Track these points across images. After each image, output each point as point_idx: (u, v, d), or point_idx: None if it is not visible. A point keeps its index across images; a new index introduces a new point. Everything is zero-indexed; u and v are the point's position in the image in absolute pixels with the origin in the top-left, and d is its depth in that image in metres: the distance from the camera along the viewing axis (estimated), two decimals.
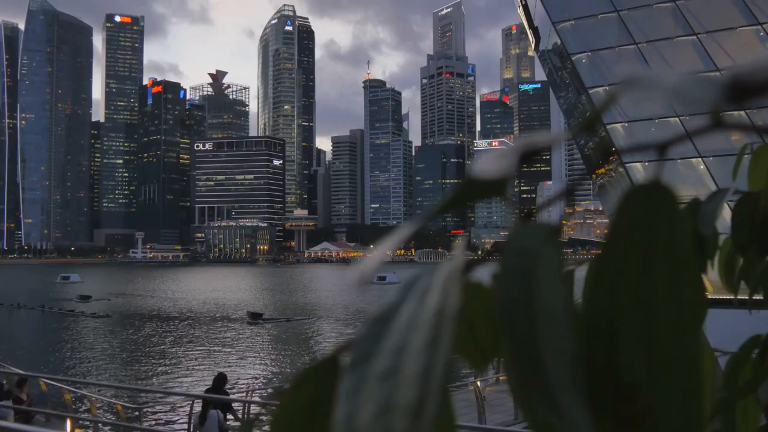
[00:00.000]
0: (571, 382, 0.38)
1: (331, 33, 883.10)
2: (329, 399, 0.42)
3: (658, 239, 0.44)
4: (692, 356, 0.42)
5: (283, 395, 0.45)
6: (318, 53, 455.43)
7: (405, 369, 0.36)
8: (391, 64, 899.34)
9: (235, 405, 14.95)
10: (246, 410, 15.26)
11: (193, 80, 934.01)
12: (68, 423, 12.64)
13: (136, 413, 16.50)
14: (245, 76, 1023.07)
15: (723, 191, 0.61)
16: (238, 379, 32.05)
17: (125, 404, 17.80)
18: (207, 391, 13.99)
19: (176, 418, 22.08)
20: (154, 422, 21.13)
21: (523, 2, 37.80)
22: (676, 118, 26.23)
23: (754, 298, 0.69)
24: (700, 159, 25.02)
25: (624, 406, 0.42)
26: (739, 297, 0.99)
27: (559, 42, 31.27)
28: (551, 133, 0.42)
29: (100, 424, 15.78)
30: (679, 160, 26.07)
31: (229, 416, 13.85)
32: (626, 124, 28.32)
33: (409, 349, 0.37)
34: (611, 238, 0.45)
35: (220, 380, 13.69)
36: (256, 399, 19.80)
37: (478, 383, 17.34)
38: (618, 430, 0.42)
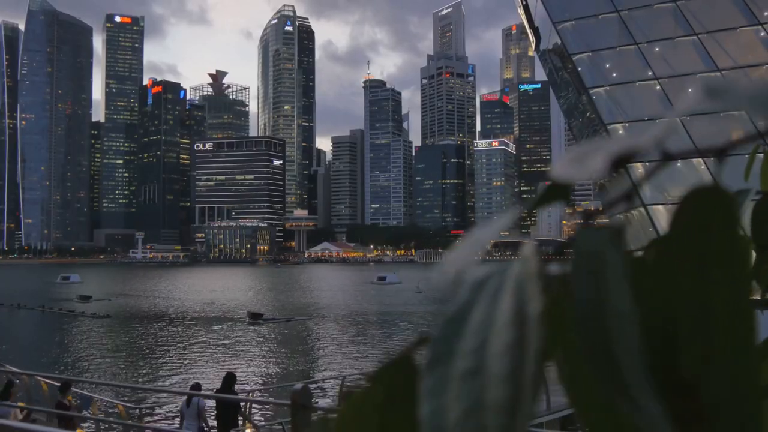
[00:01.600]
0: (644, 378, 0.40)
1: (328, 34, 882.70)
2: (403, 397, 0.45)
3: (715, 240, 0.45)
4: (749, 353, 0.43)
5: (356, 394, 0.47)
6: (316, 54, 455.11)
7: (491, 369, 0.38)
8: (389, 65, 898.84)
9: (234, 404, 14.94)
10: (247, 410, 15.24)
11: (192, 81, 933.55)
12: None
13: (137, 412, 16.51)
14: (244, 76, 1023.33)
15: (745, 192, 0.61)
16: (239, 378, 32.06)
17: (126, 404, 17.81)
18: (217, 390, 14.04)
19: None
20: (166, 423, 21.14)
21: (524, 2, 37.81)
22: (677, 119, 26.23)
23: (767, 297, 0.71)
24: (700, 159, 25.02)
25: (684, 402, 0.43)
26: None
27: (559, 42, 31.28)
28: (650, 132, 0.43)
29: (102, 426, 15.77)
30: (679, 161, 26.07)
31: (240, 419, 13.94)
32: (627, 124, 28.33)
33: (491, 349, 0.39)
34: (671, 239, 0.46)
35: (230, 379, 13.73)
36: (259, 398, 19.82)
37: None
38: (679, 425, 0.43)
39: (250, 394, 18.94)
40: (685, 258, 0.45)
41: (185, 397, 13.62)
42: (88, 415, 14.93)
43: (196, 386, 14.08)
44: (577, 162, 0.44)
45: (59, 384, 13.20)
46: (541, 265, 0.43)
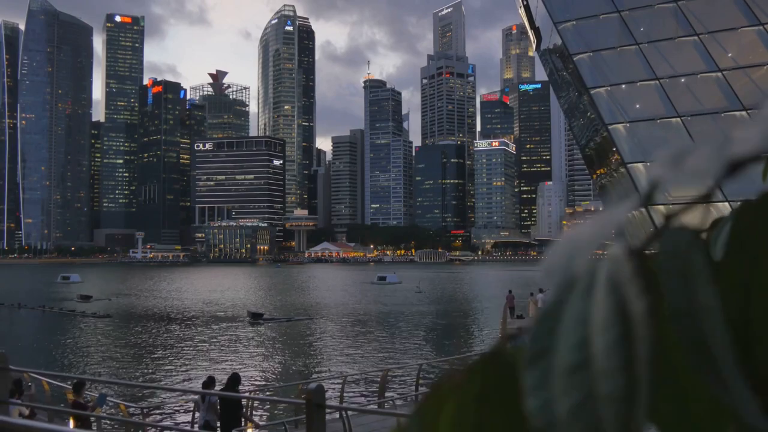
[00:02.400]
0: (736, 372, 0.42)
1: (327, 34, 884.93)
2: (499, 391, 0.47)
3: None
4: None
5: (449, 387, 0.48)
6: (315, 54, 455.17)
7: (600, 363, 0.40)
8: (388, 65, 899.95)
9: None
10: (249, 410, 15.26)
11: (192, 81, 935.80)
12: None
13: (139, 411, 16.54)
14: (243, 77, 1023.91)
15: None
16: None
17: (127, 403, 17.82)
18: (221, 390, 14.12)
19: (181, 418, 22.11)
20: (169, 422, 21.15)
21: (525, 2, 37.84)
22: (678, 119, 26.26)
23: None
24: None
25: (761, 397, 0.44)
26: None
27: (560, 42, 31.28)
28: None
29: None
30: None
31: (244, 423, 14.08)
32: (628, 125, 28.33)
33: (598, 345, 0.41)
34: (745, 237, 0.48)
35: (234, 380, 13.83)
36: (260, 396, 19.84)
37: None
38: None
39: (251, 395, 18.95)
40: (761, 253, 0.47)
41: (207, 388, 13.84)
42: (104, 414, 14.91)
43: (211, 380, 14.18)
44: (681, 162, 0.46)
45: (72, 383, 13.18)
46: (634, 263, 0.44)
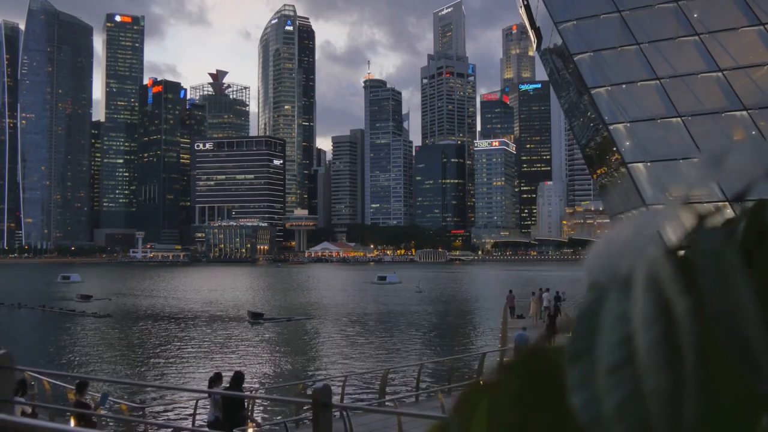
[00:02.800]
0: None
1: (327, 35, 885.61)
2: (540, 388, 0.48)
3: None
4: None
5: (487, 387, 0.50)
6: (315, 54, 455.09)
7: (644, 360, 0.41)
8: (387, 65, 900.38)
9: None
10: (251, 410, 15.27)
11: (191, 82, 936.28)
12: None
13: (140, 412, 16.55)
14: (243, 77, 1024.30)
15: None
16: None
17: (129, 403, 17.84)
18: (226, 389, 14.20)
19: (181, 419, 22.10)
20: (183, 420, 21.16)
21: (525, 2, 37.85)
22: (678, 119, 26.27)
23: None
24: None
25: None
26: None
27: (561, 42, 31.29)
28: None
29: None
30: (681, 161, 26.09)
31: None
32: (628, 125, 28.34)
33: (641, 342, 0.42)
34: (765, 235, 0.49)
35: (239, 379, 13.90)
36: (266, 395, 19.85)
37: (481, 383, 17.36)
38: None
39: (255, 394, 18.97)
40: None
41: (213, 384, 14.03)
42: (110, 414, 14.93)
43: (217, 376, 14.22)
44: (722, 162, 0.49)
45: (75, 383, 13.19)
46: (672, 262, 0.45)
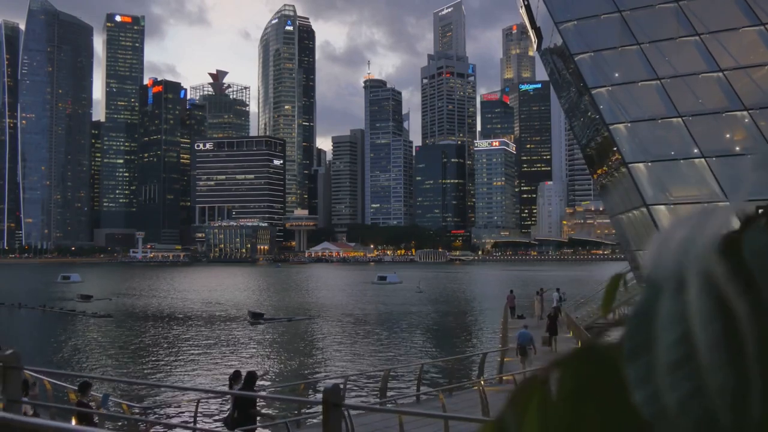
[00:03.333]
0: None
1: (326, 35, 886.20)
2: (596, 385, 0.49)
3: None
4: None
5: (538, 385, 0.50)
6: (315, 54, 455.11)
7: (703, 357, 0.42)
8: (387, 65, 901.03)
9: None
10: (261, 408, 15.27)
11: (191, 81, 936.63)
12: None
13: (141, 412, 16.55)
14: (243, 77, 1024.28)
15: None
16: (242, 377, 32.05)
17: (130, 402, 17.83)
18: (240, 389, 14.40)
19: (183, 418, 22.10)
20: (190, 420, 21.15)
21: (526, 2, 37.85)
22: (679, 119, 26.26)
23: None
24: (703, 159, 25.02)
25: None
26: None
27: (561, 42, 31.29)
28: None
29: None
30: (682, 161, 26.09)
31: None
32: (629, 125, 28.34)
33: (701, 340, 0.43)
34: None
35: (251, 378, 14.17)
36: (263, 393, 19.82)
37: (482, 383, 17.39)
38: None
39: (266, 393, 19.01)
40: None
41: (233, 382, 14.52)
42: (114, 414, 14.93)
43: (237, 374, 14.63)
44: None
45: (78, 384, 13.18)
46: (726, 260, 0.46)
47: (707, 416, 0.41)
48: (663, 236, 0.51)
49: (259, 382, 15.17)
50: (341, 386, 19.32)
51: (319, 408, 23.21)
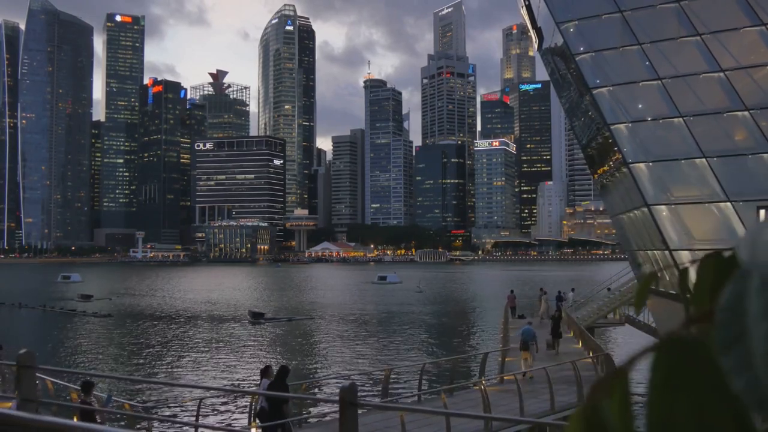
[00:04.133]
0: None
1: (325, 35, 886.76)
2: (690, 374, 0.50)
3: None
4: None
5: (625, 374, 0.52)
6: (315, 54, 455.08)
7: None
8: (386, 65, 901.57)
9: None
10: (254, 409, 15.28)
11: (191, 81, 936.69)
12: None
13: (143, 411, 16.54)
14: (243, 77, 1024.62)
15: None
16: (243, 378, 32.12)
17: (132, 402, 17.83)
18: (271, 383, 14.60)
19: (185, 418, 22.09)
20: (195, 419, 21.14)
21: (527, 2, 37.84)
22: (680, 119, 26.27)
23: None
24: (704, 159, 25.02)
25: None
26: None
27: (562, 42, 31.28)
28: None
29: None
30: (683, 161, 26.09)
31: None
32: (630, 125, 28.34)
33: None
34: None
35: (283, 373, 14.34)
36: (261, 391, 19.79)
37: (484, 382, 17.38)
38: None
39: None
40: None
41: (263, 378, 15.00)
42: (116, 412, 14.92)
43: (267, 368, 15.16)
44: None
45: (80, 383, 13.17)
46: None
47: None
48: (756, 231, 0.51)
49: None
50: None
51: (320, 408, 23.21)
